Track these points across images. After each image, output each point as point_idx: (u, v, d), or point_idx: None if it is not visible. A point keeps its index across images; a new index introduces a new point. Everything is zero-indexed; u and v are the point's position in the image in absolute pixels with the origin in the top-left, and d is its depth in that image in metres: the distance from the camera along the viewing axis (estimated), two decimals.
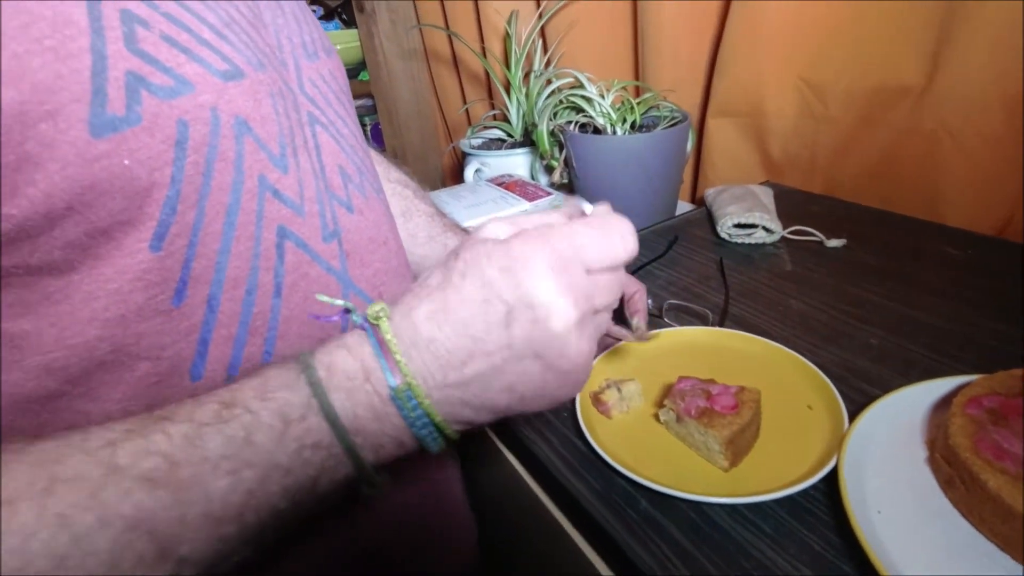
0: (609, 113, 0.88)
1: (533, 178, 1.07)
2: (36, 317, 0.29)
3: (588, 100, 0.89)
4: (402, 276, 0.48)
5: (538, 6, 1.14)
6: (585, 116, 0.90)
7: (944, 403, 0.45)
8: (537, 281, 0.28)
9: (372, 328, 0.30)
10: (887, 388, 0.48)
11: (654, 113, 0.92)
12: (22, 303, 0.29)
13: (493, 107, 1.31)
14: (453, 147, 1.31)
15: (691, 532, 0.41)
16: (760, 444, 0.46)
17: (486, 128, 1.23)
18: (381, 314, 0.30)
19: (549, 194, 0.91)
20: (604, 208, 0.34)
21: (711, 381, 0.48)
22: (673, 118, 0.89)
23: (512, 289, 0.28)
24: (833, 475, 0.40)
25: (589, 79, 0.90)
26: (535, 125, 0.97)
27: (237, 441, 0.27)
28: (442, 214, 0.64)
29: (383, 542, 0.47)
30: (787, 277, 0.70)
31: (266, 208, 0.35)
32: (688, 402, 0.46)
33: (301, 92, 0.41)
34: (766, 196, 0.85)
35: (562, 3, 1.08)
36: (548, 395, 0.31)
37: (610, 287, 0.32)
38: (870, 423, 0.44)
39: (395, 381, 0.29)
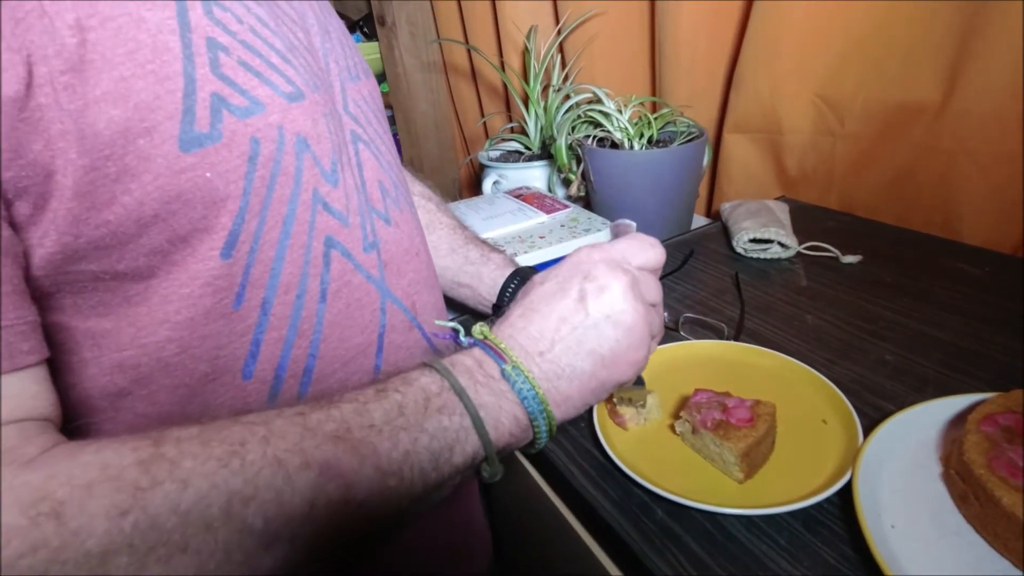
0: (627, 128, 0.89)
1: (550, 190, 1.08)
2: (116, 317, 0.31)
3: (606, 115, 0.90)
4: (432, 286, 0.50)
5: (557, 22, 1.16)
6: (603, 131, 0.92)
7: (959, 420, 0.45)
8: (598, 267, 0.38)
9: (479, 341, 0.37)
10: (901, 404, 0.48)
11: (671, 128, 0.93)
12: (105, 304, 0.31)
13: (511, 120, 1.32)
14: (471, 159, 1.33)
15: (707, 542, 0.41)
16: (775, 457, 0.47)
17: (504, 140, 1.25)
18: (483, 329, 0.38)
19: (566, 207, 0.93)
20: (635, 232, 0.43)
21: (727, 394, 0.49)
22: (690, 133, 0.90)
23: (581, 276, 0.38)
24: (847, 489, 0.41)
25: (607, 95, 0.92)
26: (553, 138, 0.99)
27: (393, 412, 0.32)
28: (463, 227, 0.66)
29: (401, 549, 0.48)
30: (802, 292, 0.71)
31: (317, 219, 0.38)
32: (704, 414, 0.46)
33: (345, 112, 0.44)
34: (782, 211, 0.86)
35: (580, 20, 1.09)
36: (622, 355, 0.37)
37: (653, 282, 0.40)
38: (885, 438, 0.44)
39: (503, 363, 0.36)
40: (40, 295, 0.30)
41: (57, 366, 0.32)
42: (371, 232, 0.43)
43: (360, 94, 0.47)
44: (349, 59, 0.47)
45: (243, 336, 0.35)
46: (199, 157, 0.31)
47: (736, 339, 0.62)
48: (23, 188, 0.27)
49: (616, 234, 0.43)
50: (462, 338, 0.39)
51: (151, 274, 0.31)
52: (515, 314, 0.38)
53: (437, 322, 0.47)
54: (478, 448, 0.34)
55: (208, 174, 0.31)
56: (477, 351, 0.37)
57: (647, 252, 0.40)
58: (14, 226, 0.28)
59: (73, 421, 0.33)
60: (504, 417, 0.35)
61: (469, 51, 1.38)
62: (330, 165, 0.39)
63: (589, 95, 0.96)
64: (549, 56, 1.12)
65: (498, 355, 0.36)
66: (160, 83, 0.29)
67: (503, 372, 0.35)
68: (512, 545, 0.69)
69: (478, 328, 0.38)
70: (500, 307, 0.59)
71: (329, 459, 0.29)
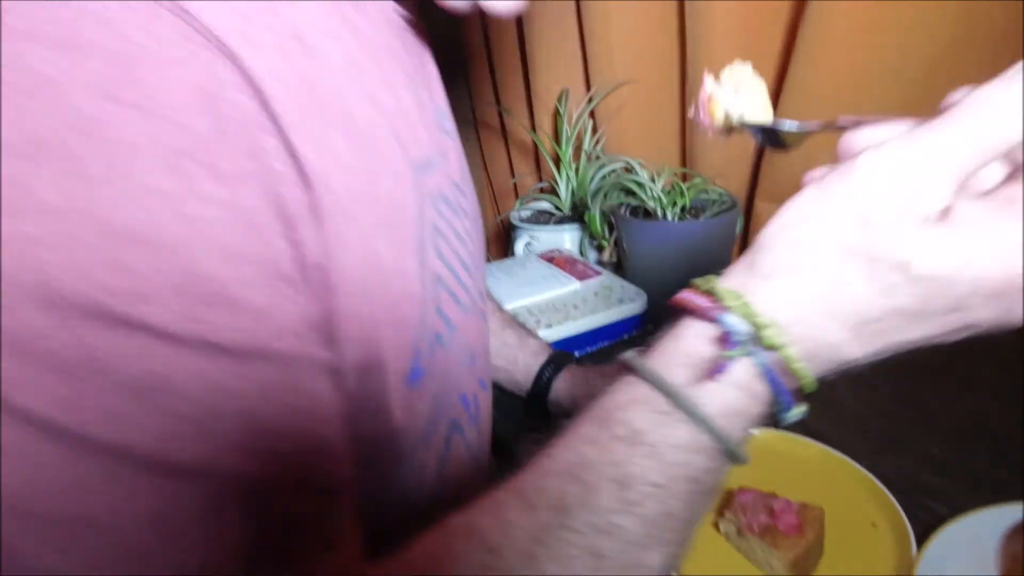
0: (660, 198, 0.90)
1: (582, 253, 1.09)
2: None
3: (639, 184, 0.92)
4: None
5: (588, 88, 1.18)
6: (636, 199, 0.93)
7: (1017, 532, 0.44)
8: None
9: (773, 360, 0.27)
10: (953, 505, 0.47)
11: (703, 196, 0.94)
12: None
13: (541, 179, 1.34)
14: (501, 219, 1.35)
15: None
16: (824, 562, 0.45)
17: (533, 200, 1.27)
18: (777, 339, 0.26)
19: (598, 273, 0.93)
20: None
21: (772, 494, 0.48)
22: (722, 203, 0.91)
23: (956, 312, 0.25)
24: None
25: (641, 165, 0.93)
26: (586, 205, 1.00)
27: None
28: (500, 309, 0.67)
29: None
30: (840, 373, 0.70)
31: (455, 412, 0.38)
32: (750, 517, 0.46)
33: (478, 296, 0.43)
34: None
35: (610, 90, 1.12)
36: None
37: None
38: (938, 550, 0.43)
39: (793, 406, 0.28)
40: None
41: None
42: (474, 406, 0.42)
43: (480, 258, 0.46)
44: (479, 228, 0.46)
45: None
46: (415, 392, 0.32)
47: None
48: None
49: None
50: (748, 354, 0.28)
51: None
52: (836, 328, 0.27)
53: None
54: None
55: (420, 407, 0.32)
56: (760, 391, 0.28)
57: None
58: None
59: None
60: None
61: (500, 112, 1.42)
62: (474, 362, 0.39)
63: (623, 164, 0.98)
64: (581, 121, 1.14)
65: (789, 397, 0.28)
66: (404, 329, 0.31)
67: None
68: None
69: (773, 336, 0.26)
70: (536, 396, 0.59)
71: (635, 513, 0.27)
